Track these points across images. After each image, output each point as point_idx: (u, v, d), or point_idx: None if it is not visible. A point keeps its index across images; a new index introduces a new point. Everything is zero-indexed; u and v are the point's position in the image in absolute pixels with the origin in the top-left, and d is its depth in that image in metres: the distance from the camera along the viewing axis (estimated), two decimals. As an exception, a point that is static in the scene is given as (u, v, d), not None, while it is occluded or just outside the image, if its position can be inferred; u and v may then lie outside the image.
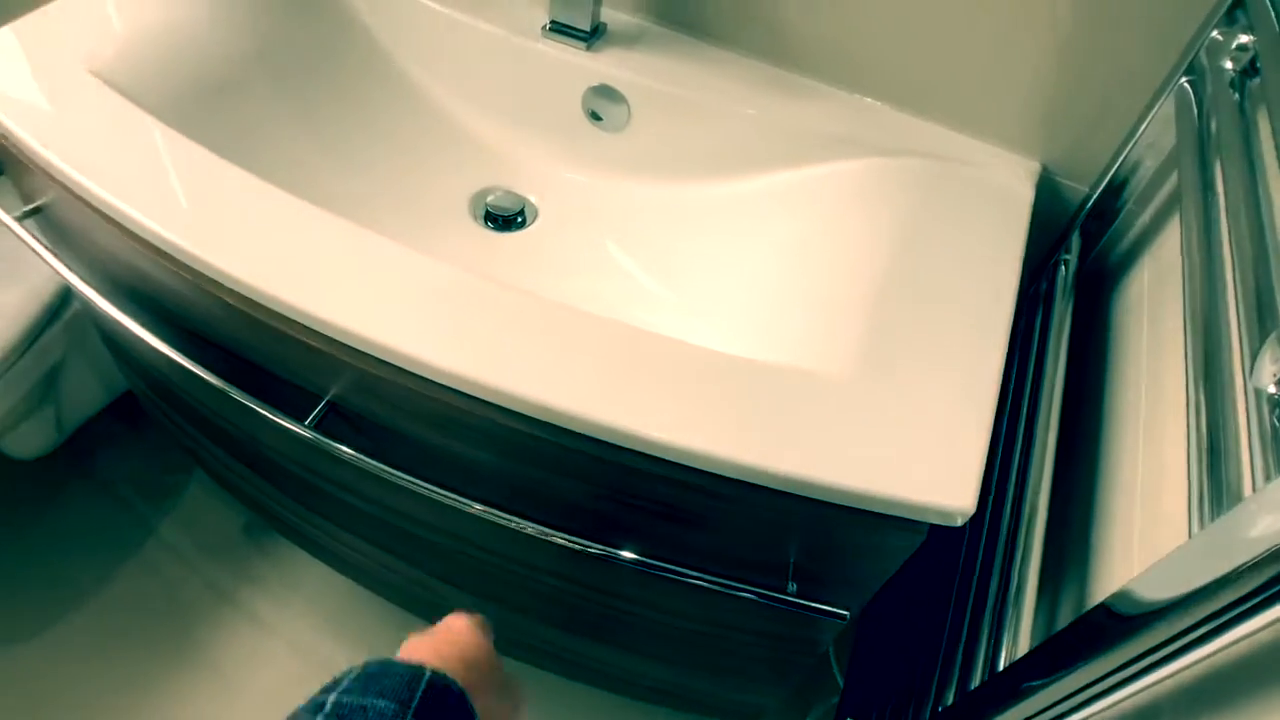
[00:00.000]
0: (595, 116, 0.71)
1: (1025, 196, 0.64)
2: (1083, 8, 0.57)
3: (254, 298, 0.49)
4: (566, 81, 0.70)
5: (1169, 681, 0.37)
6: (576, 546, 0.52)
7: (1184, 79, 0.55)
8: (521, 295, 0.50)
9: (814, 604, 0.51)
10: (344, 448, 0.54)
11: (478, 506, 0.53)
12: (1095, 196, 0.65)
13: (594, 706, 1.00)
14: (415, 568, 0.75)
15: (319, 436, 0.53)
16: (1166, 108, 0.57)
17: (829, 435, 0.46)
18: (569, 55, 0.69)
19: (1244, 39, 0.50)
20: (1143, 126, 0.59)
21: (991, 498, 0.61)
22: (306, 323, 0.49)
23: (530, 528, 0.53)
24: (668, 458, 0.46)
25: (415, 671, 0.32)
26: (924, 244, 0.58)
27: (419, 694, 0.31)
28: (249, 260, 0.49)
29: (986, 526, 0.60)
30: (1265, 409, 0.32)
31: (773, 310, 0.61)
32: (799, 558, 0.52)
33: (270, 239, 0.51)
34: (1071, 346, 0.62)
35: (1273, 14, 0.47)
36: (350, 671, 0.32)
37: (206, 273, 0.50)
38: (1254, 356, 0.33)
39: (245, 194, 0.53)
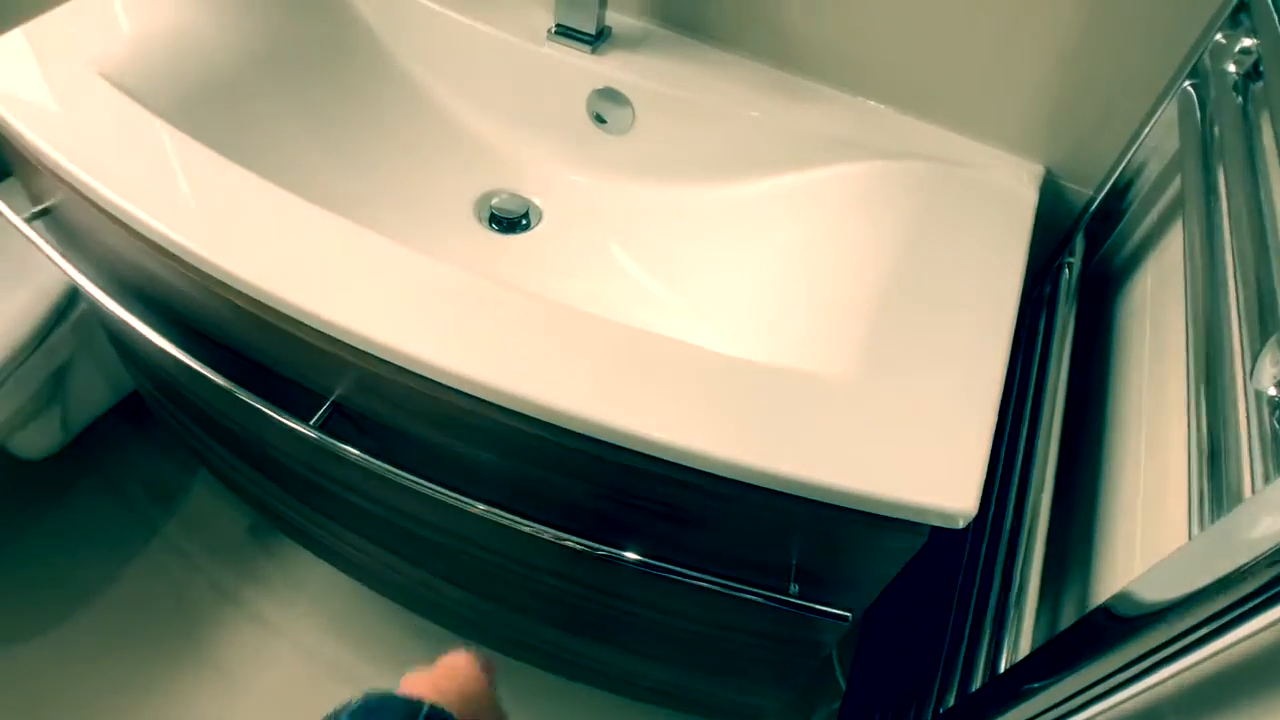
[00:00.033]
0: (600, 119, 0.71)
1: (1029, 199, 0.64)
2: (1086, 11, 0.57)
3: (260, 299, 0.50)
4: (571, 84, 0.70)
5: (1170, 683, 0.37)
6: (578, 546, 0.53)
7: (1187, 82, 0.55)
8: (524, 296, 0.50)
9: (816, 605, 0.51)
10: (348, 448, 0.54)
11: (480, 506, 0.53)
12: (1099, 199, 0.65)
13: (596, 707, 1.00)
14: (418, 568, 0.76)
15: (323, 436, 0.54)
16: (1170, 111, 0.57)
17: (830, 436, 0.46)
18: (574, 58, 0.69)
19: (1247, 42, 0.50)
20: (1146, 129, 0.59)
21: (994, 500, 0.61)
22: (312, 323, 0.49)
23: (532, 528, 0.53)
24: (668, 458, 0.46)
25: (414, 706, 0.33)
26: (927, 246, 0.58)
27: None
28: (255, 261, 0.50)
29: (989, 529, 0.60)
30: (1265, 411, 0.32)
31: (776, 313, 0.61)
32: (801, 559, 0.53)
33: (276, 240, 0.51)
34: (1076, 349, 0.62)
35: (1276, 17, 0.47)
36: (350, 704, 0.33)
37: (213, 274, 0.51)
38: (1255, 359, 0.34)
39: (252, 195, 0.53)
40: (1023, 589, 0.51)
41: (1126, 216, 0.65)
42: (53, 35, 0.61)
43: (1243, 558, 0.29)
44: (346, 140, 0.70)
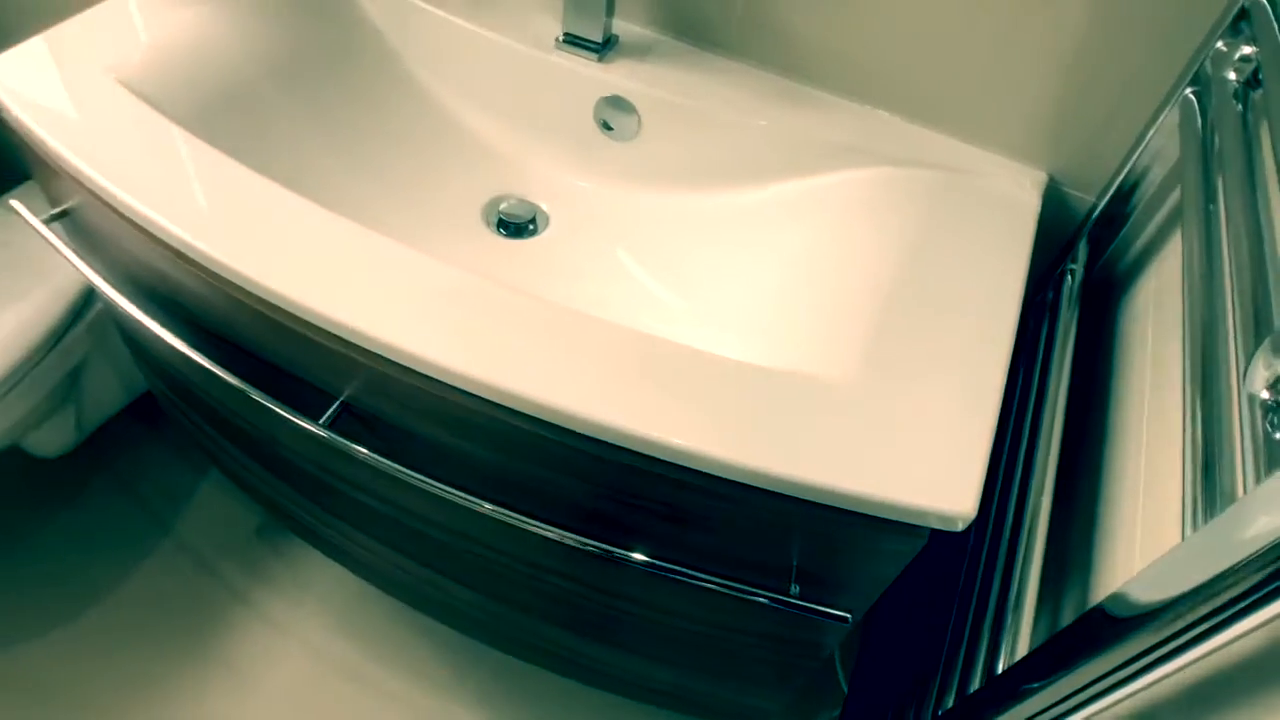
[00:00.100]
0: (606, 126, 0.72)
1: (1032, 206, 0.64)
2: (1088, 19, 0.58)
3: (272, 300, 0.51)
4: (579, 92, 0.71)
5: (1168, 683, 0.37)
6: (581, 546, 0.53)
7: (1189, 89, 0.56)
8: (529, 299, 0.51)
9: (816, 606, 0.51)
10: (357, 447, 0.55)
11: (487, 505, 0.54)
12: (1102, 206, 0.65)
13: (597, 708, 1.01)
14: (425, 567, 0.76)
15: (333, 435, 0.55)
16: (1172, 117, 0.58)
17: (831, 438, 0.47)
18: (581, 66, 0.70)
19: (1247, 50, 0.51)
20: (1149, 136, 0.60)
21: (995, 504, 0.61)
22: (323, 324, 0.50)
23: (537, 527, 0.53)
24: (669, 458, 0.47)
25: None
26: (930, 252, 0.59)
27: None
28: (268, 264, 0.51)
29: (990, 532, 0.60)
30: (1258, 414, 0.32)
31: (779, 317, 0.62)
32: (801, 560, 0.53)
33: (289, 244, 0.52)
34: (1079, 354, 0.63)
35: (1275, 25, 0.47)
36: None
37: (227, 276, 0.52)
38: (1248, 363, 0.34)
39: (265, 200, 0.54)
40: (1022, 591, 0.51)
41: (1129, 222, 0.65)
42: (72, 43, 0.62)
43: (1235, 557, 0.29)
44: (357, 144, 0.71)
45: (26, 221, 0.60)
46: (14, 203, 0.62)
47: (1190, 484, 0.35)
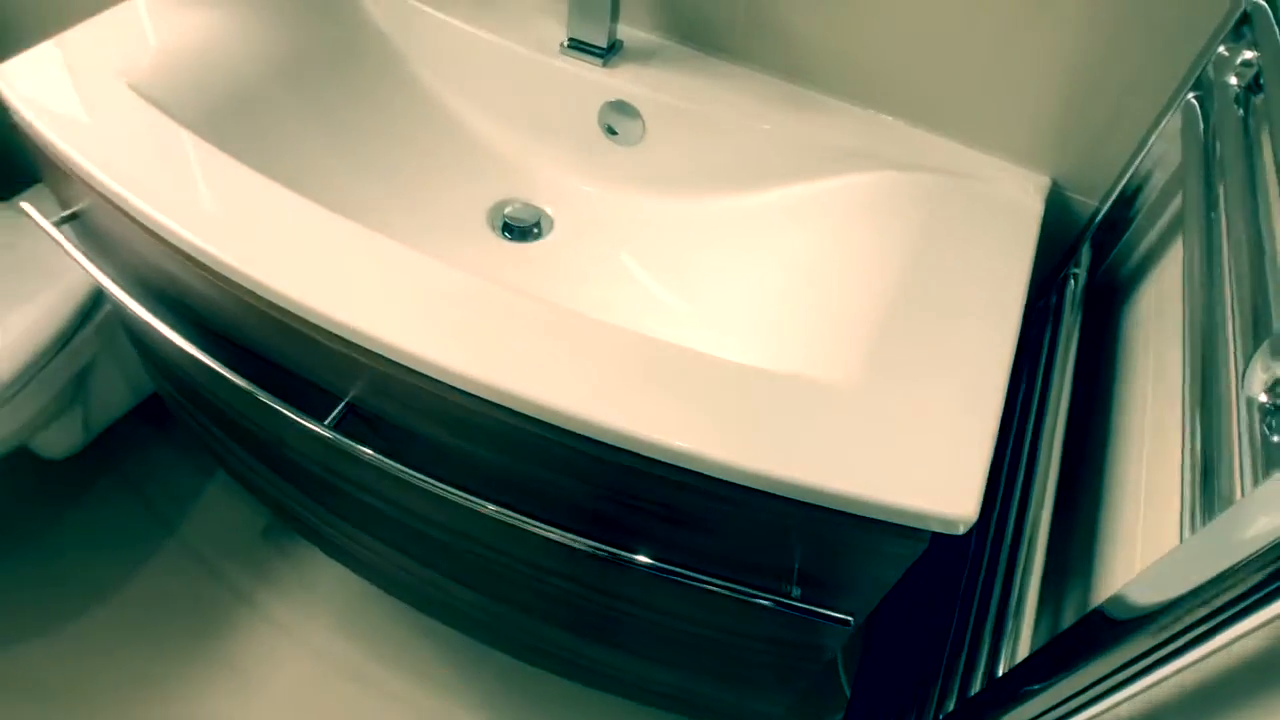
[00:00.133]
0: (611, 131, 0.73)
1: (1034, 210, 0.64)
2: (1090, 24, 0.58)
3: (279, 303, 0.51)
4: (583, 97, 0.71)
5: (1169, 685, 0.37)
6: (582, 547, 0.54)
7: (1191, 94, 0.56)
8: (532, 301, 0.51)
9: (817, 609, 0.51)
10: (361, 447, 0.55)
11: (490, 506, 0.54)
12: (1105, 210, 0.65)
13: (600, 711, 1.01)
14: (427, 568, 0.77)
15: (338, 436, 0.55)
16: (1174, 122, 0.58)
17: (832, 441, 0.47)
18: (586, 71, 0.71)
19: (1249, 55, 0.51)
20: (1151, 140, 0.60)
21: (997, 507, 0.61)
22: (329, 326, 0.50)
23: (539, 527, 0.54)
24: (671, 461, 0.47)
25: None
26: (933, 256, 0.59)
27: None
28: (276, 267, 0.51)
29: (991, 535, 0.60)
30: (1256, 417, 0.32)
31: (782, 321, 0.62)
32: (802, 563, 0.53)
33: (296, 246, 0.53)
34: (1082, 358, 0.63)
35: (1277, 30, 0.47)
36: None
37: (234, 278, 0.52)
38: (1247, 367, 0.34)
39: (271, 202, 0.55)
40: (1022, 594, 0.51)
41: (1132, 227, 0.65)
42: (82, 47, 0.63)
43: (1234, 558, 0.29)
44: (363, 147, 0.72)
45: (36, 224, 0.61)
46: (24, 205, 0.63)
47: (1190, 486, 0.35)
